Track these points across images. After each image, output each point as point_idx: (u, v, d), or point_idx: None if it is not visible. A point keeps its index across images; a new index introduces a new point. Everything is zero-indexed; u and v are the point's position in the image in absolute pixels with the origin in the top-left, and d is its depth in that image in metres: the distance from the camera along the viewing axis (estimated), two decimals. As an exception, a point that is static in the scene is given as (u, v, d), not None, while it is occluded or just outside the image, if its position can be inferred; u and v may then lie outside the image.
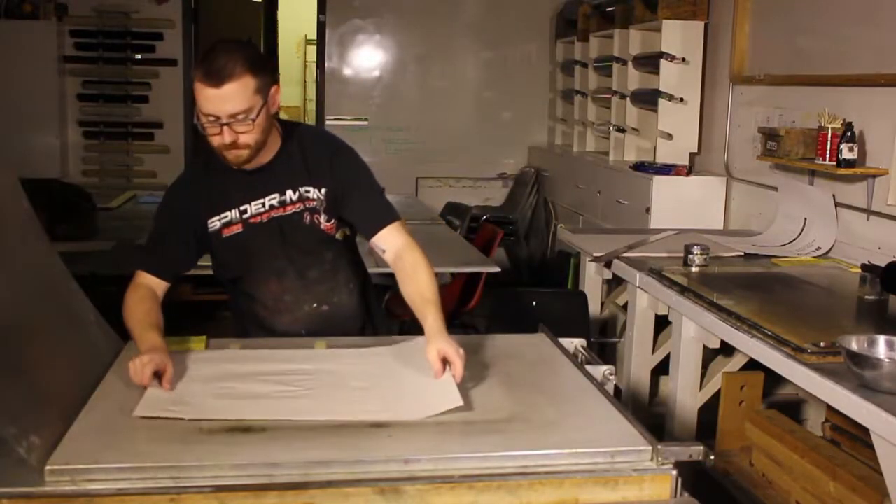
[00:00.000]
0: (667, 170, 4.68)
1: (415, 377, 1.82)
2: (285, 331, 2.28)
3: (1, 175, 1.89)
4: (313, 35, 7.69)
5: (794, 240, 3.80)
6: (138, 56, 6.83)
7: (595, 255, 3.74)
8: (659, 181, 4.58)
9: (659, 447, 1.49)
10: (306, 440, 1.50)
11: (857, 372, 2.12)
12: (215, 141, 2.01)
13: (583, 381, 1.85)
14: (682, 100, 4.82)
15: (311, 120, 9.24)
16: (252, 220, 2.17)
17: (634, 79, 5.31)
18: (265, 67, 2.03)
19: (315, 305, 2.28)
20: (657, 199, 4.55)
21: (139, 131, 6.88)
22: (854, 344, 2.20)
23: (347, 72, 7.16)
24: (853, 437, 2.82)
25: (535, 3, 7.09)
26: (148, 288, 2.11)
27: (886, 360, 2.11)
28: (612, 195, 5.17)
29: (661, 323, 3.45)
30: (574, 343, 2.13)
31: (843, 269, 3.40)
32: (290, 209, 2.18)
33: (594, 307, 4.02)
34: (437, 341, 1.84)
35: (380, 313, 2.53)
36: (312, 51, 8.98)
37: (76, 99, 6.77)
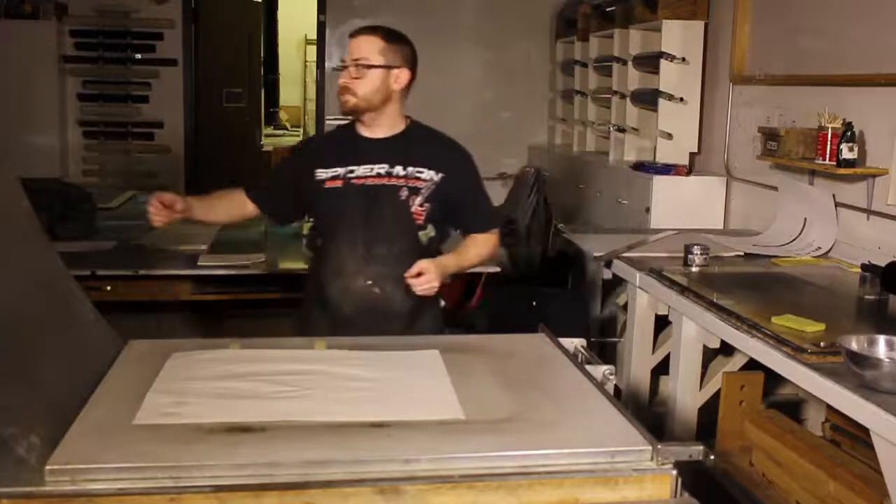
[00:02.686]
0: (667, 170, 4.68)
1: (415, 384, 1.81)
2: (336, 301, 2.41)
3: (1, 175, 1.89)
4: (313, 35, 7.69)
5: (794, 240, 3.80)
6: (138, 56, 6.83)
7: (595, 255, 3.74)
8: (659, 181, 4.58)
9: (659, 447, 1.49)
10: (306, 440, 1.50)
11: (857, 372, 2.12)
12: (340, 82, 2.38)
13: (583, 381, 1.85)
14: (682, 100, 4.82)
15: (311, 120, 9.24)
16: (354, 181, 2.40)
17: (634, 79, 5.31)
18: (399, 46, 2.42)
19: (369, 283, 2.39)
20: (657, 199, 4.55)
21: (139, 131, 6.88)
22: (854, 344, 2.20)
23: (347, 72, 7.15)
24: (853, 437, 2.82)
25: (535, 3, 7.09)
26: (239, 196, 2.53)
27: (886, 360, 2.11)
28: (612, 195, 5.17)
29: (661, 323, 3.45)
30: (574, 343, 2.13)
31: (843, 269, 3.40)
32: (393, 181, 2.39)
33: (594, 307, 4.02)
34: (429, 260, 2.30)
35: (427, 329, 2.53)
36: (312, 51, 8.99)
37: (76, 99, 6.77)
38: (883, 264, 2.96)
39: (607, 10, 5.72)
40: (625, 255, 3.62)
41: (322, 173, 2.43)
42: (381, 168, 2.40)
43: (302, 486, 1.38)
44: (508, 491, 1.42)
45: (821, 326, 2.50)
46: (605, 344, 4.15)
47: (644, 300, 3.44)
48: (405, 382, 1.82)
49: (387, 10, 7.05)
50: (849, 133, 3.37)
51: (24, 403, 1.50)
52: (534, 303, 3.84)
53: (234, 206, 2.55)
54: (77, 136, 6.80)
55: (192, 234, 3.71)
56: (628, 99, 5.35)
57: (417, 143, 2.46)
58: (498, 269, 3.82)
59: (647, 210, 4.58)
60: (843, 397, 2.13)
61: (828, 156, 3.46)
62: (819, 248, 3.66)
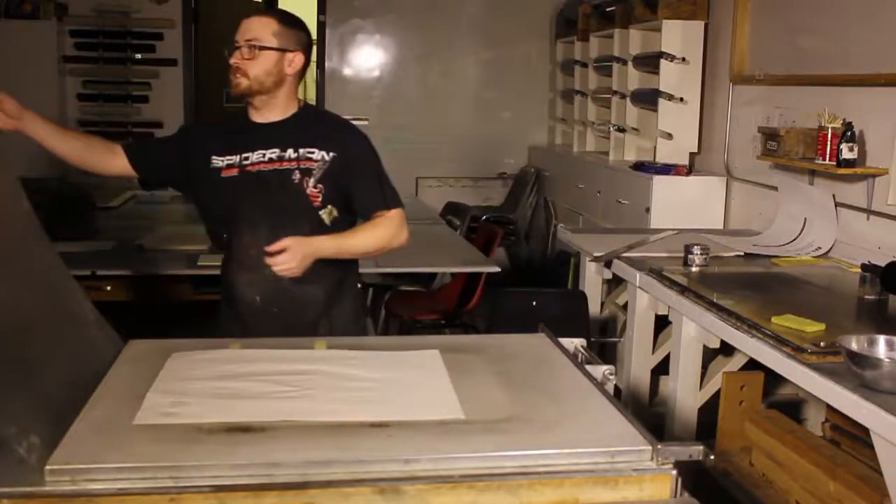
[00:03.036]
0: (667, 170, 4.68)
1: (415, 384, 1.81)
2: (242, 294, 2.36)
3: (1, 175, 1.89)
4: (313, 35, 7.68)
5: (794, 240, 3.80)
6: (138, 56, 6.84)
7: (595, 255, 3.74)
8: (659, 181, 4.58)
9: (659, 447, 1.49)
10: (306, 440, 1.50)
11: (857, 372, 2.12)
12: (231, 62, 2.29)
13: (583, 381, 1.85)
14: (682, 100, 4.82)
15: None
16: (249, 168, 2.34)
17: (634, 79, 5.31)
18: (294, 29, 2.35)
19: (274, 273, 2.29)
20: (657, 198, 4.55)
21: (139, 131, 6.87)
22: (854, 344, 2.20)
23: (347, 71, 7.16)
24: (853, 437, 2.82)
25: (535, 3, 7.09)
26: (113, 147, 2.43)
27: (886, 360, 2.11)
28: (612, 195, 5.17)
29: (661, 323, 3.45)
30: (574, 343, 2.13)
31: (843, 269, 3.40)
32: (286, 165, 2.33)
33: (594, 307, 4.02)
34: (297, 238, 2.21)
35: (346, 315, 2.50)
36: (312, 51, 8.98)
37: (76, 99, 6.77)
38: (883, 264, 2.96)
39: (607, 10, 5.73)
40: (625, 255, 3.62)
41: (218, 161, 2.37)
42: (273, 153, 2.34)
43: (302, 486, 1.38)
44: (508, 491, 1.42)
45: (821, 326, 2.50)
46: (605, 344, 4.16)
47: (644, 300, 3.44)
48: (405, 382, 1.82)
49: (387, 10, 7.05)
50: (849, 133, 3.37)
51: (24, 403, 1.50)
52: (534, 303, 3.83)
53: (96, 150, 2.41)
54: (77, 136, 6.79)
55: (192, 234, 3.71)
56: (628, 99, 5.35)
57: (308, 124, 2.40)
58: (498, 269, 3.83)
59: (647, 210, 4.58)
60: (843, 397, 2.13)
61: (828, 156, 3.46)
62: (819, 248, 3.66)
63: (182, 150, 2.44)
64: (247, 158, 2.35)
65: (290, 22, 2.36)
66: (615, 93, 5.55)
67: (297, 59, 2.35)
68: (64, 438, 1.48)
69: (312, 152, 2.34)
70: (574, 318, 3.74)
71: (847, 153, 3.37)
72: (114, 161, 2.42)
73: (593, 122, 6.09)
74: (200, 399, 1.68)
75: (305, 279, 2.31)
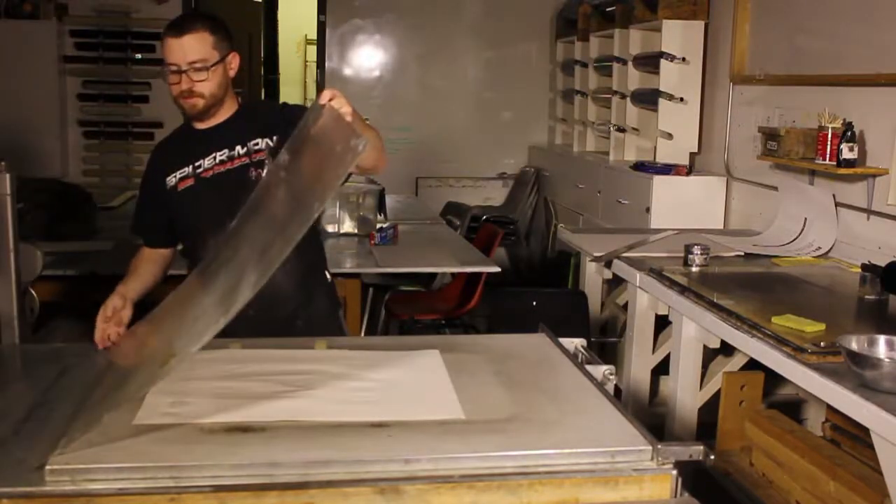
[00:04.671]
0: (667, 170, 4.68)
1: (415, 384, 1.81)
2: None
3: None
4: (313, 35, 7.69)
5: (795, 240, 3.80)
6: (138, 56, 6.83)
7: (595, 255, 3.74)
8: (659, 181, 4.58)
9: (659, 447, 1.49)
10: (306, 440, 1.50)
11: (857, 372, 2.12)
12: (175, 90, 2.26)
13: (583, 381, 1.85)
14: (682, 100, 4.82)
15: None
16: (203, 175, 2.35)
17: (634, 79, 5.31)
18: (223, 32, 2.30)
19: None
20: (657, 198, 4.55)
21: (139, 131, 6.87)
22: (854, 344, 2.20)
23: (347, 72, 7.16)
24: (853, 437, 2.82)
25: (535, 3, 7.09)
26: (148, 251, 2.44)
27: (886, 360, 2.11)
28: (612, 195, 5.17)
29: (661, 323, 3.45)
30: (574, 343, 2.13)
31: (843, 269, 3.40)
32: (237, 163, 2.34)
33: (594, 307, 4.02)
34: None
35: (321, 307, 2.51)
36: (312, 51, 8.99)
37: (76, 99, 6.77)
38: (883, 264, 2.96)
39: (607, 10, 5.73)
40: (625, 255, 3.62)
41: (171, 179, 2.37)
42: (223, 154, 2.35)
43: (302, 486, 1.38)
44: (508, 491, 1.42)
45: (821, 326, 2.50)
46: (605, 344, 4.16)
47: (644, 300, 3.44)
48: (405, 382, 1.82)
49: (387, 10, 7.06)
50: (849, 133, 3.37)
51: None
52: (534, 303, 3.83)
53: (151, 270, 2.41)
54: (77, 136, 6.80)
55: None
56: (628, 99, 5.35)
57: (248, 117, 2.40)
58: (498, 269, 3.83)
59: (647, 210, 4.58)
60: (843, 397, 2.13)
61: (828, 156, 3.46)
62: (819, 248, 3.66)
63: (156, 195, 2.42)
64: (199, 166, 2.35)
65: (218, 26, 2.31)
66: (615, 93, 5.55)
67: (234, 60, 2.34)
68: (64, 438, 1.48)
69: (257, 143, 2.35)
70: (574, 318, 3.75)
71: (847, 153, 3.37)
72: (160, 259, 2.45)
73: (593, 122, 6.09)
74: (200, 399, 1.68)
75: (277, 279, 2.29)
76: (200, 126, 2.38)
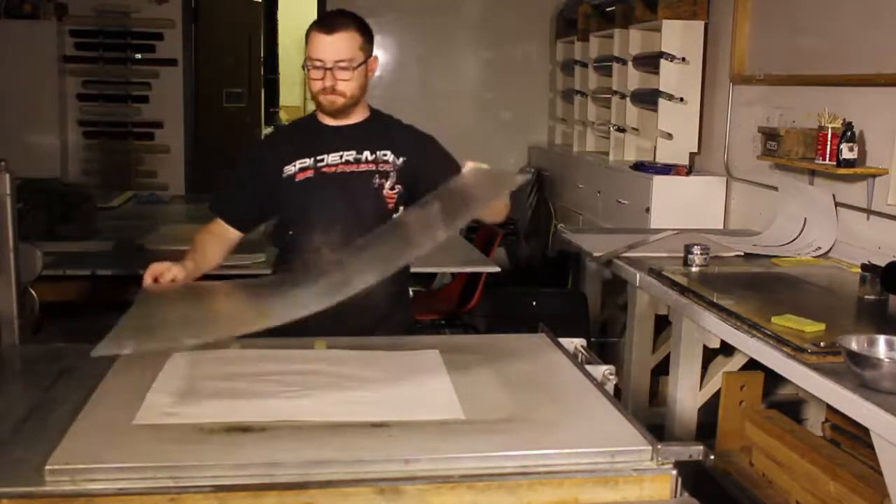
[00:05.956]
0: (667, 170, 4.68)
1: (415, 384, 1.81)
2: None
3: None
4: (313, 35, 7.68)
5: (794, 240, 3.80)
6: (138, 56, 6.84)
7: (595, 255, 3.74)
8: (659, 181, 4.58)
9: (659, 447, 1.49)
10: (306, 440, 1.50)
11: (857, 372, 2.12)
12: (316, 86, 2.27)
13: (583, 381, 1.85)
14: (682, 100, 4.82)
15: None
16: (324, 169, 2.34)
17: (634, 79, 5.31)
18: (370, 34, 2.33)
19: None
20: (657, 198, 4.55)
21: (139, 131, 6.89)
22: (854, 344, 2.20)
23: (347, 72, 7.15)
24: (853, 437, 2.82)
25: (535, 3, 7.09)
26: (218, 229, 2.39)
27: (886, 360, 2.11)
28: (612, 195, 5.17)
29: (661, 323, 3.45)
30: (574, 343, 2.13)
31: (843, 269, 3.40)
32: (363, 167, 2.35)
33: (594, 307, 4.02)
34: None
35: (400, 322, 2.50)
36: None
37: (76, 99, 6.78)
38: (883, 264, 2.96)
39: (607, 10, 5.72)
40: (625, 255, 3.62)
41: (290, 168, 2.35)
42: (350, 155, 2.36)
43: (302, 486, 1.39)
44: (508, 491, 1.42)
45: (821, 326, 2.50)
46: (605, 344, 4.16)
47: (644, 300, 3.44)
48: (405, 382, 1.82)
49: (387, 10, 7.05)
50: (849, 133, 3.37)
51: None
52: (534, 303, 3.84)
53: (216, 245, 2.39)
54: (77, 136, 6.80)
55: (192, 235, 3.70)
56: (628, 99, 5.35)
57: (379, 127, 2.43)
58: (498, 269, 3.82)
59: (647, 210, 4.58)
60: (843, 397, 2.13)
61: (828, 156, 3.46)
62: (819, 248, 3.66)
63: (257, 182, 2.40)
64: (322, 160, 2.35)
65: (366, 28, 2.32)
66: (615, 93, 5.55)
67: (374, 63, 2.37)
68: (64, 438, 1.49)
69: (386, 155, 2.37)
70: (574, 318, 3.75)
71: (847, 153, 3.37)
72: (226, 242, 2.41)
73: (593, 122, 6.09)
74: (200, 399, 1.68)
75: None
76: (329, 122, 2.38)
